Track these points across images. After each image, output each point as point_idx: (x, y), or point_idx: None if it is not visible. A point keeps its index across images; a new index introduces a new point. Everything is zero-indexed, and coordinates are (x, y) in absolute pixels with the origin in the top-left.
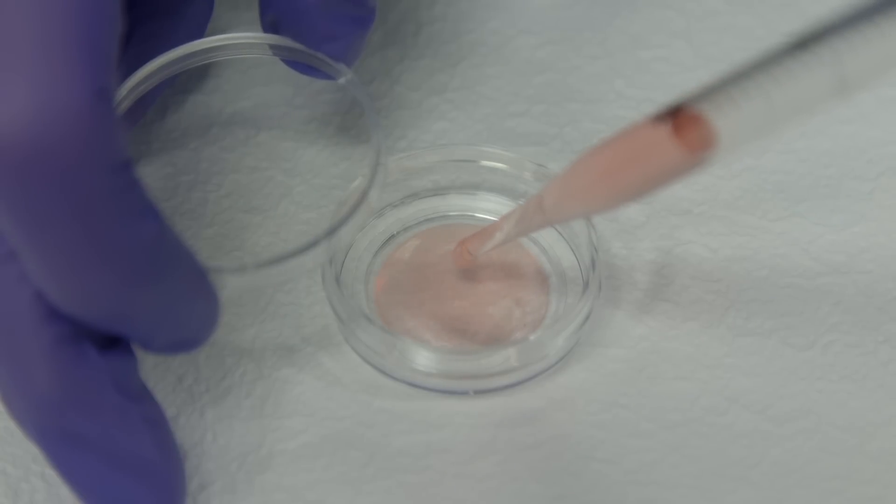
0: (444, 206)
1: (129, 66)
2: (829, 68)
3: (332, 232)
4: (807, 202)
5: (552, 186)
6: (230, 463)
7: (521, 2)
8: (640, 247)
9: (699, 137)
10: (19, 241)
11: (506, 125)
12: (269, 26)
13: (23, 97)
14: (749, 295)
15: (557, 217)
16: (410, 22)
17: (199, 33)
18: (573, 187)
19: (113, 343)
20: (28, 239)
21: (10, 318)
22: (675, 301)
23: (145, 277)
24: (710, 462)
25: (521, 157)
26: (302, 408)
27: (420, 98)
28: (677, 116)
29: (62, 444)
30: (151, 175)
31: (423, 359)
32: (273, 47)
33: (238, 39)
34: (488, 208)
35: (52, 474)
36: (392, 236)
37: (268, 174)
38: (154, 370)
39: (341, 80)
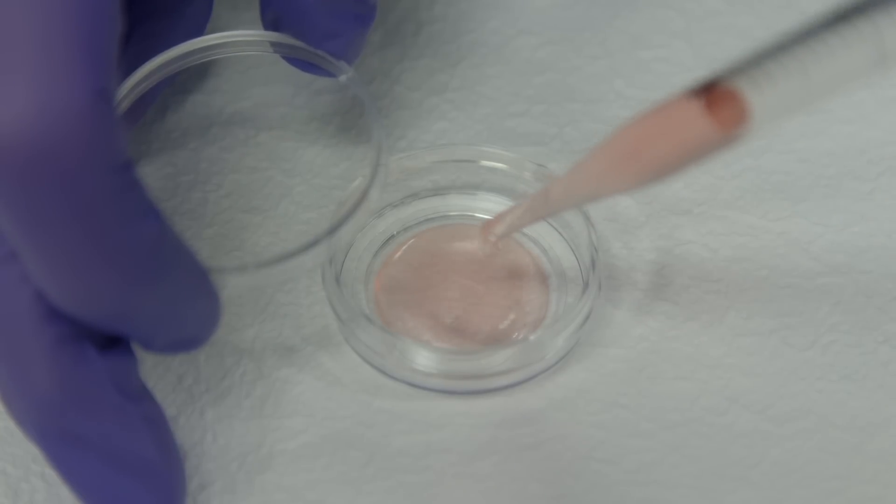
0: (444, 206)
1: (129, 66)
2: (869, 43)
3: (332, 231)
4: (807, 202)
5: (582, 164)
6: (230, 463)
7: (521, 2)
8: (640, 247)
9: (733, 114)
10: (20, 242)
11: (506, 125)
12: (270, 24)
13: (24, 98)
14: (749, 295)
15: (586, 195)
16: (410, 22)
17: (199, 33)
18: (604, 163)
19: (113, 343)
20: (29, 239)
21: (11, 319)
22: (675, 301)
23: (146, 277)
24: (710, 462)
25: (521, 157)
26: (302, 408)
27: (420, 98)
28: (711, 92)
29: (62, 444)
30: (151, 175)
31: (423, 359)
32: (274, 45)
33: (238, 37)
34: (488, 208)
35: (52, 474)
36: (392, 236)
37: (268, 174)
38: (154, 370)
39: (342, 78)
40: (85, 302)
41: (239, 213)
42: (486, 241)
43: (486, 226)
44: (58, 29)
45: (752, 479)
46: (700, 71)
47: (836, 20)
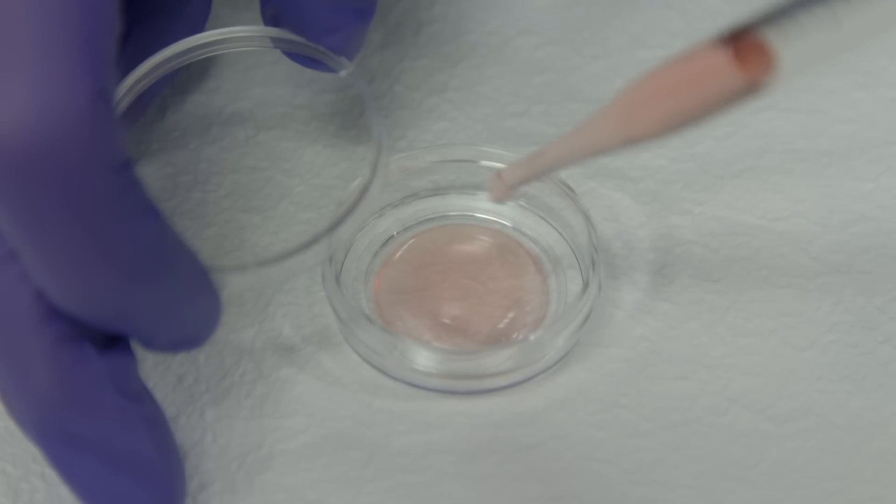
0: (444, 206)
1: (127, 65)
2: None
3: (332, 230)
4: (807, 202)
5: (604, 110)
6: (230, 463)
7: (521, 2)
8: (640, 247)
9: (761, 65)
10: (20, 242)
11: (506, 125)
12: (270, 19)
13: (23, 98)
14: (749, 295)
15: (606, 143)
16: (410, 22)
17: (198, 31)
18: (626, 110)
19: (113, 343)
20: (29, 239)
21: (10, 318)
22: (675, 301)
23: (146, 276)
24: (710, 462)
25: (521, 157)
26: (302, 408)
27: (420, 98)
28: (740, 41)
29: (62, 444)
30: (151, 175)
31: (423, 359)
32: (274, 40)
33: (238, 33)
34: (488, 208)
35: (52, 474)
36: (392, 236)
37: (267, 174)
38: (154, 370)
39: (342, 73)
40: (85, 301)
41: (239, 213)
42: (498, 189)
43: (498, 174)
44: (57, 29)
45: (752, 479)
46: None
47: None
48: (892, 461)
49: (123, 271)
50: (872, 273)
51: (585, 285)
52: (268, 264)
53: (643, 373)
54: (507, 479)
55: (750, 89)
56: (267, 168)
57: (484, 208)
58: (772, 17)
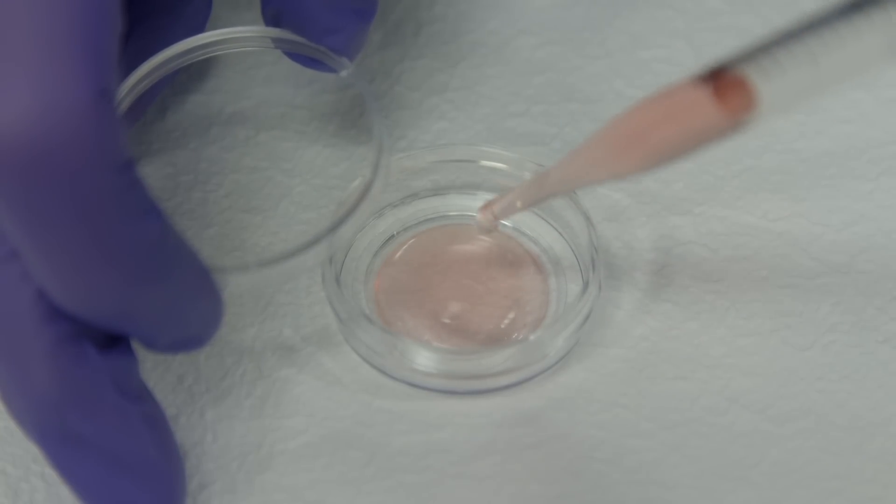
0: (444, 206)
1: (128, 65)
2: (880, 32)
3: (333, 229)
4: (807, 202)
5: (585, 145)
6: (230, 463)
7: (521, 2)
8: (640, 247)
9: (741, 102)
10: (22, 242)
11: (506, 125)
12: (271, 19)
13: (25, 98)
14: (749, 295)
15: (587, 177)
16: (410, 22)
17: (198, 31)
18: (608, 146)
19: (113, 343)
20: (31, 239)
21: (11, 318)
22: (675, 301)
23: (148, 276)
24: (710, 462)
25: (520, 157)
26: (302, 408)
27: (420, 98)
28: (719, 78)
29: (62, 444)
30: (151, 175)
31: (423, 359)
32: (274, 40)
33: (239, 33)
34: None
35: (52, 474)
36: (392, 236)
37: (268, 174)
38: (154, 370)
39: (343, 73)
40: (87, 301)
41: (239, 213)
42: (486, 220)
43: (486, 206)
44: (59, 29)
45: (752, 479)
46: None
47: (848, 8)
48: (892, 461)
49: (125, 271)
50: (872, 273)
51: (585, 285)
52: (269, 264)
53: (643, 373)
54: (507, 479)
55: (731, 126)
56: (267, 168)
57: None
58: (750, 55)
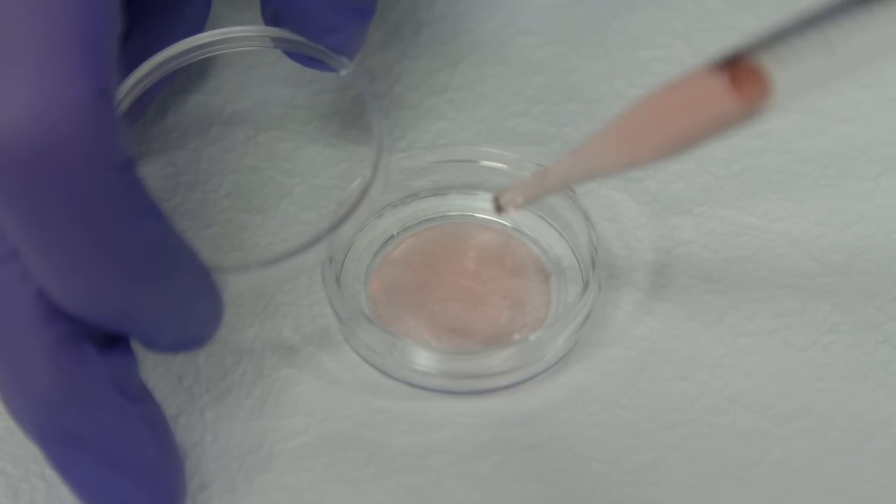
0: (444, 206)
1: (127, 65)
2: None
3: (333, 229)
4: (807, 202)
5: (599, 134)
6: (230, 463)
7: (521, 2)
8: (640, 247)
9: (756, 90)
10: (22, 241)
11: (505, 125)
12: (271, 19)
13: (25, 98)
14: (749, 295)
15: (601, 167)
16: (410, 22)
17: (197, 31)
18: (624, 134)
19: (113, 343)
20: (31, 239)
21: (11, 318)
22: (675, 301)
23: (149, 276)
24: (710, 462)
25: (520, 157)
26: (302, 408)
27: (420, 98)
28: (735, 67)
29: (62, 444)
30: (151, 175)
31: (423, 359)
32: (274, 40)
33: (238, 33)
34: (488, 208)
35: (52, 474)
36: (392, 236)
37: (267, 174)
38: (154, 370)
39: (343, 73)
40: (87, 301)
41: (239, 213)
42: (509, 201)
43: (501, 194)
44: (58, 28)
45: (752, 479)
46: None
47: None
48: (892, 461)
49: (125, 271)
50: (872, 273)
51: (585, 285)
52: (269, 264)
53: (643, 373)
54: (507, 479)
55: (746, 114)
56: (267, 168)
57: (484, 208)
58: (766, 42)
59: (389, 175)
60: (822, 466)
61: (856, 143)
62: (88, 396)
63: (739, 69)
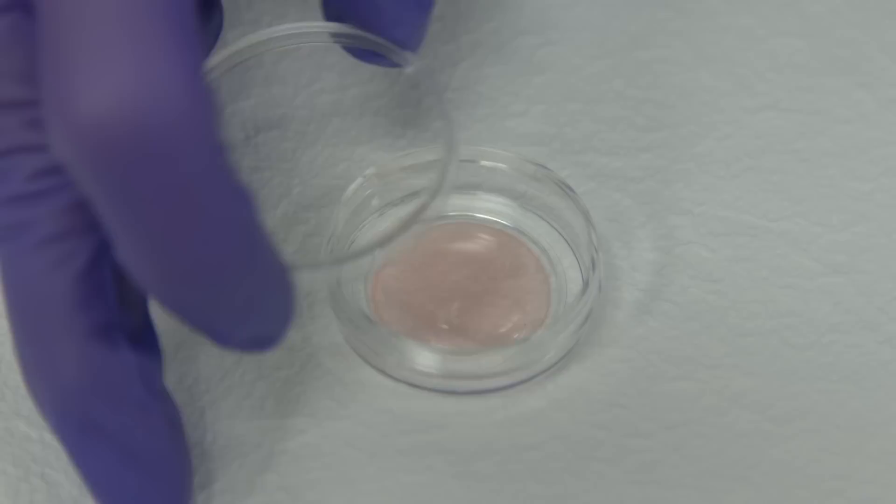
0: (444, 206)
1: None
2: None
3: (405, 228)
4: (807, 202)
5: None
6: (230, 463)
7: (520, 2)
8: (640, 247)
9: None
10: (118, 225)
11: (506, 125)
12: (333, 14)
13: (126, 77)
14: (749, 295)
15: None
16: None
17: (210, 49)
18: None
19: (144, 338)
20: (128, 222)
21: (45, 303)
22: (675, 301)
23: (240, 261)
24: (710, 462)
25: (520, 156)
26: (302, 408)
27: (420, 97)
28: None
29: (81, 432)
30: None
31: (423, 359)
32: (334, 35)
33: (302, 29)
34: (488, 208)
35: (52, 474)
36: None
37: (267, 174)
38: None
39: (409, 69)
40: (179, 287)
41: None
42: None
43: None
44: (155, 6)
45: (752, 479)
46: (700, 71)
47: None
48: (892, 461)
49: (219, 255)
50: (872, 273)
51: (585, 285)
52: (341, 261)
53: (643, 373)
54: (507, 479)
55: None
56: (267, 168)
57: (484, 208)
58: None
59: (455, 179)
60: (822, 466)
61: (856, 143)
62: (115, 388)
63: None
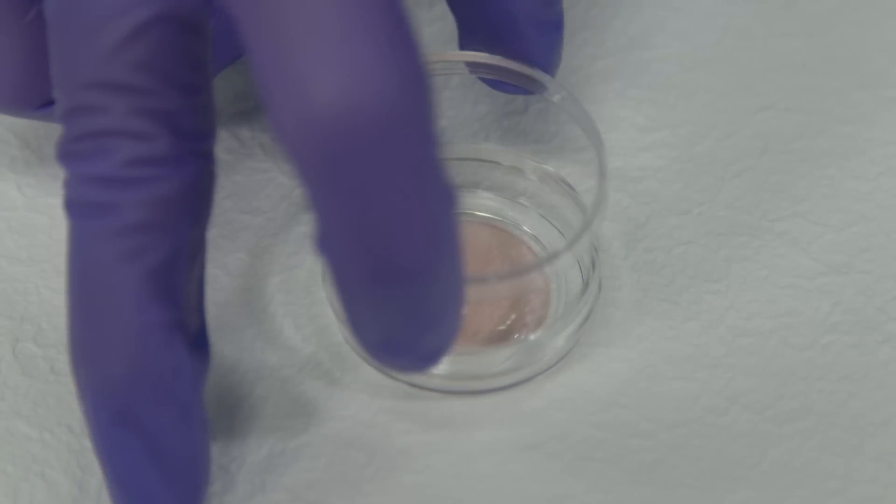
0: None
1: None
2: None
3: (567, 248)
4: (807, 202)
5: None
6: (230, 463)
7: None
8: (640, 247)
9: None
10: (335, 214)
11: (505, 124)
12: (469, 39)
13: (361, 65)
14: (749, 295)
15: None
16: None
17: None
18: None
19: (198, 344)
20: (347, 210)
21: (113, 290)
22: (675, 301)
23: (443, 263)
24: (710, 462)
25: (520, 155)
26: (301, 408)
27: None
28: None
29: (115, 423)
30: None
31: None
32: (469, 65)
33: (448, 57)
34: (488, 207)
35: (52, 474)
36: None
37: (269, 175)
38: None
39: (556, 98)
40: (383, 285)
41: (240, 215)
42: None
43: None
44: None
45: (752, 479)
46: (700, 71)
47: None
48: (892, 461)
49: (426, 253)
50: (872, 273)
51: (585, 285)
52: (505, 279)
53: (643, 373)
54: (507, 479)
55: None
56: (268, 169)
57: (484, 206)
58: None
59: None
60: (822, 466)
61: (856, 143)
62: (163, 386)
63: None
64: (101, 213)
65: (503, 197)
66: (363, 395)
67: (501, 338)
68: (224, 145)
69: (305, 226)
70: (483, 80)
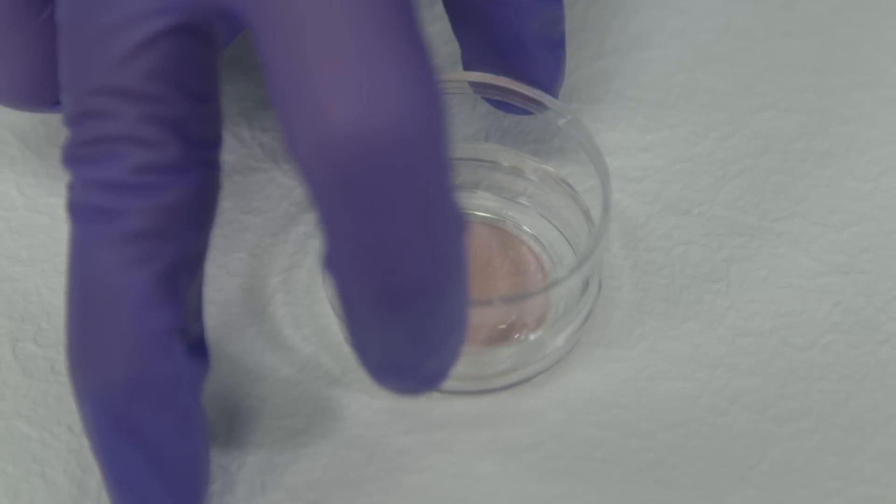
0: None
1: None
2: None
3: (576, 270)
4: (807, 202)
5: None
6: (230, 463)
7: None
8: (640, 247)
9: None
10: (345, 233)
11: (505, 124)
12: (472, 58)
13: (378, 86)
14: (749, 295)
15: None
16: None
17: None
18: None
19: (197, 350)
20: (357, 231)
21: (115, 296)
22: (675, 301)
23: (450, 285)
24: (710, 462)
25: (520, 155)
26: (302, 408)
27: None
28: None
29: (115, 430)
30: None
31: None
32: (473, 85)
33: (453, 77)
34: (488, 207)
35: (52, 474)
36: None
37: (269, 175)
38: None
39: (561, 122)
40: (390, 307)
41: (240, 215)
42: None
43: None
44: (398, 14)
45: (752, 479)
46: (700, 71)
47: None
48: (892, 461)
49: (434, 276)
50: (872, 273)
51: (585, 285)
52: (512, 301)
53: (643, 373)
54: (507, 479)
55: None
56: (269, 169)
57: (483, 206)
58: None
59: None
60: (822, 466)
61: (856, 143)
62: (163, 394)
63: None
64: (106, 219)
65: (503, 197)
66: (363, 395)
67: (501, 338)
68: (224, 145)
69: (305, 226)
70: (488, 100)
